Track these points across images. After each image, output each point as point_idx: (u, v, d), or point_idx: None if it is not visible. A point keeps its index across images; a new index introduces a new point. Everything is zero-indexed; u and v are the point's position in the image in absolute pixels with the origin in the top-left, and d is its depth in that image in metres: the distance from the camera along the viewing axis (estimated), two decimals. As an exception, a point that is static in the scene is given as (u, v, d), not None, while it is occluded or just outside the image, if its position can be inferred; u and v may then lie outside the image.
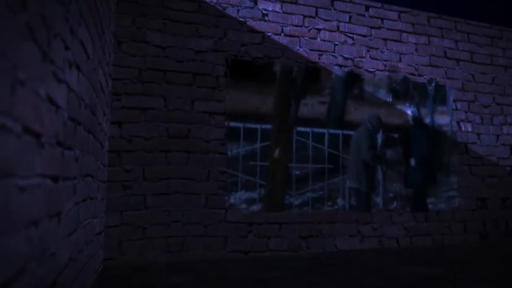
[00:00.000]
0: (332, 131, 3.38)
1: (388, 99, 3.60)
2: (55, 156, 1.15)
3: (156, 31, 2.94)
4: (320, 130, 3.34)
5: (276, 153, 3.15)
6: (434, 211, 3.59)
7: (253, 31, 3.21)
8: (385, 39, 3.67)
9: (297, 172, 3.21)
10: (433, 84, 3.79)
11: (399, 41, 3.72)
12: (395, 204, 3.52)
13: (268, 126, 3.18)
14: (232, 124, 3.05)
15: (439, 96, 3.80)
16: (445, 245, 3.50)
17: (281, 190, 3.12)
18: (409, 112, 3.67)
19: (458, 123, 3.84)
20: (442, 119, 3.80)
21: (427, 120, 3.73)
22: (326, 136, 3.35)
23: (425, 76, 3.77)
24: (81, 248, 1.69)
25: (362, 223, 3.31)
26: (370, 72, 3.56)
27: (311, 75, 3.36)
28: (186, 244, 2.80)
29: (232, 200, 2.96)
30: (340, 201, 3.31)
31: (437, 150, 3.73)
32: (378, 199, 3.47)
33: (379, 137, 3.53)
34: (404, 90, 3.67)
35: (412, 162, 3.62)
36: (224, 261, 2.77)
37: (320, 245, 3.16)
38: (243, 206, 2.98)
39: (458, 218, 3.68)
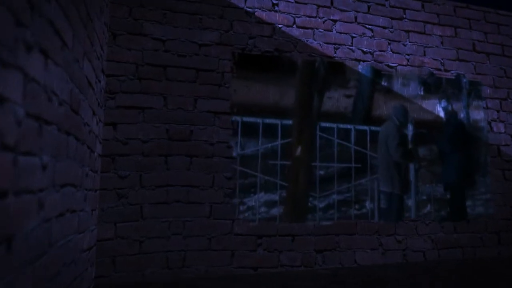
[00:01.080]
0: (359, 127, 3.08)
1: (419, 92, 3.27)
2: (-2, 164, 0.87)
3: (155, 23, 2.66)
4: (346, 126, 3.04)
5: (298, 151, 2.86)
6: (465, 221, 3.23)
7: (262, 22, 2.92)
8: (407, 31, 3.33)
9: (321, 172, 2.91)
10: (466, 78, 3.43)
11: (423, 33, 3.38)
12: (428, 207, 3.18)
13: (289, 122, 2.89)
14: (249, 119, 2.78)
15: (474, 90, 3.45)
16: (476, 259, 3.13)
17: (304, 192, 2.83)
18: (442, 106, 3.32)
19: (489, 123, 3.47)
20: (478, 114, 3.45)
21: (462, 115, 3.38)
22: (353, 133, 3.05)
23: (452, 72, 3.42)
24: (56, 272, 1.41)
25: (384, 235, 2.97)
26: (392, 67, 3.23)
27: (335, 66, 3.05)
28: (188, 259, 2.50)
29: (250, 203, 2.67)
30: (368, 204, 2.99)
31: (473, 147, 3.37)
32: (411, 202, 3.14)
33: (409, 132, 3.21)
34: (436, 83, 3.33)
35: (447, 160, 3.27)
36: (230, 278, 2.47)
37: (338, 259, 2.83)
38: (263, 209, 2.69)
39: (491, 229, 3.30)
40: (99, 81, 2.25)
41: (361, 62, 3.14)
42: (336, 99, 3.03)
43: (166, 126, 2.59)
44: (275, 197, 2.76)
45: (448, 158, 3.30)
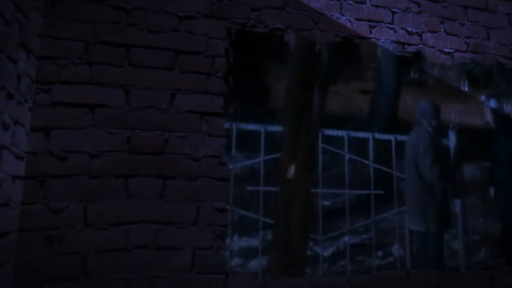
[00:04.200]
0: (379, 135, 2.16)
1: (462, 87, 2.37)
2: None
3: (116, -15, 1.85)
4: (361, 134, 2.13)
5: (291, 171, 1.94)
6: (555, 267, 2.29)
7: (270, -11, 2.10)
8: (465, 7, 2.48)
9: (326, 203, 1.99)
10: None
11: (485, 9, 2.53)
12: (483, 252, 2.25)
13: (278, 128, 1.99)
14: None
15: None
16: None
17: (300, 233, 1.90)
18: (498, 107, 2.43)
19: None
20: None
21: None
22: (371, 144, 2.13)
23: (525, 61, 2.54)
24: None
25: (448, 291, 2.05)
26: (447, 53, 2.36)
27: (346, 49, 2.18)
28: None
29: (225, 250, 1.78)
30: (396, 249, 2.06)
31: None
32: (457, 245, 2.21)
33: (452, 144, 2.29)
34: (486, 74, 2.44)
35: (505, 184, 2.36)
36: None
37: (383, 329, 1.91)
38: (236, 261, 1.78)
39: None
40: (13, 61, 1.42)
41: (406, 46, 2.28)
42: (347, 96, 2.13)
43: (127, 132, 1.74)
44: (256, 242, 1.83)
45: (506, 183, 2.38)
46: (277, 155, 1.96)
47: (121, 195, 1.68)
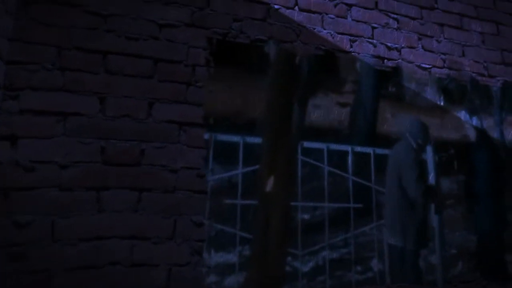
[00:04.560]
0: (359, 148, 2.16)
1: (439, 102, 2.41)
2: None
3: (94, -10, 1.79)
4: (340, 147, 2.13)
5: (270, 184, 1.90)
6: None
7: (252, 0, 2.08)
8: (441, 25, 2.55)
9: (305, 216, 1.96)
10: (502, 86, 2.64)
11: (460, 28, 2.61)
12: (460, 265, 2.27)
13: (257, 140, 1.96)
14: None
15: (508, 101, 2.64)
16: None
17: (278, 248, 1.85)
18: (472, 122, 2.49)
19: (546, 145, 2.66)
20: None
21: (496, 134, 2.55)
22: (350, 157, 2.13)
23: (498, 78, 2.63)
24: None
25: (428, 305, 2.05)
26: (425, 69, 2.41)
27: (325, 62, 2.19)
28: None
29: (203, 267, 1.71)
30: (375, 264, 2.04)
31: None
32: (435, 259, 2.22)
33: (430, 159, 2.32)
34: (461, 89, 2.50)
35: (480, 197, 2.40)
36: None
37: None
38: (211, 279, 1.71)
39: (561, 289, 2.41)
40: (-22, 64, 1.33)
41: (385, 60, 2.31)
42: (326, 109, 2.13)
43: (101, 142, 1.66)
44: (233, 257, 1.77)
45: (483, 193, 2.43)
46: (256, 167, 1.92)
47: (93, 209, 1.59)
